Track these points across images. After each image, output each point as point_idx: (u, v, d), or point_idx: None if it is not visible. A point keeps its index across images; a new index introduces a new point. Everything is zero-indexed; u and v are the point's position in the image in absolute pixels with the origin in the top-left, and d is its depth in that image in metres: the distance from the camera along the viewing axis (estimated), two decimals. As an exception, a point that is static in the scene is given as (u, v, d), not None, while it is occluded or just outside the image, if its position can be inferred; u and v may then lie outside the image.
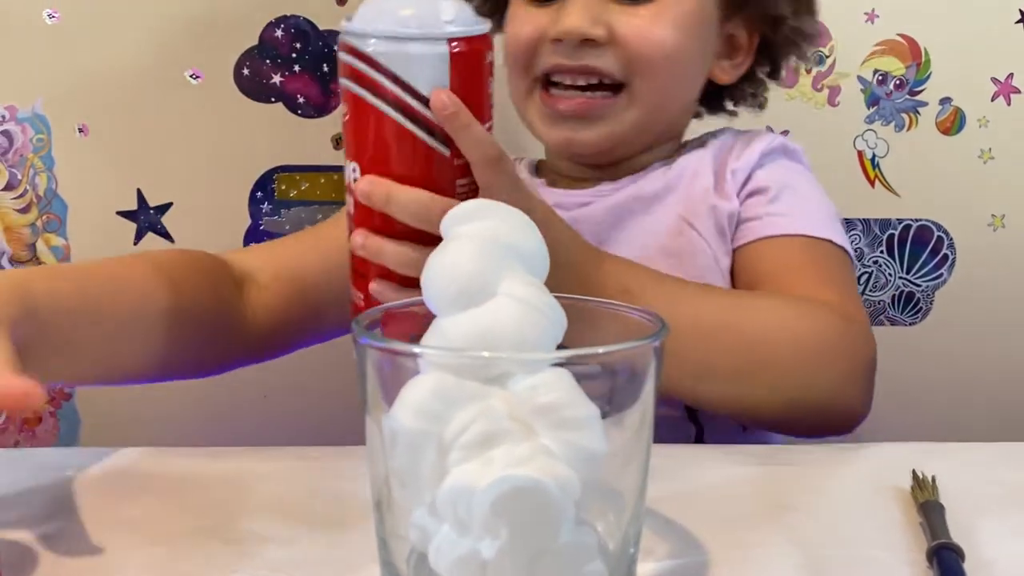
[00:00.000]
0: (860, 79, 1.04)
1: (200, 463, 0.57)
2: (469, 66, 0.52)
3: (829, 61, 1.04)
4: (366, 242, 0.55)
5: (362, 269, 0.56)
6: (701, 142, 0.81)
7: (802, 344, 0.62)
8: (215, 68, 0.99)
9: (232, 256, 0.73)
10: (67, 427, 1.03)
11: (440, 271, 0.38)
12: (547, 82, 0.74)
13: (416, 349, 0.36)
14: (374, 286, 0.55)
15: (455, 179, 0.53)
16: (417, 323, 0.39)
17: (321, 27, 0.99)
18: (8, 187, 0.99)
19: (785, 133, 1.04)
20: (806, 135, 1.04)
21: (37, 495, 0.52)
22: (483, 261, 0.38)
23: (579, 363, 0.36)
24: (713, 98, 0.84)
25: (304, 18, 0.99)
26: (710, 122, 0.86)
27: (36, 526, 0.48)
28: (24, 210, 1.00)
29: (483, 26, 0.54)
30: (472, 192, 0.54)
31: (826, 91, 1.04)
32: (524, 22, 0.74)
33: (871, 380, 0.65)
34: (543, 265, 0.40)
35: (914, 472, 0.51)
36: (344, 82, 0.53)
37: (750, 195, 0.75)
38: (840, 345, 0.64)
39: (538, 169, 0.84)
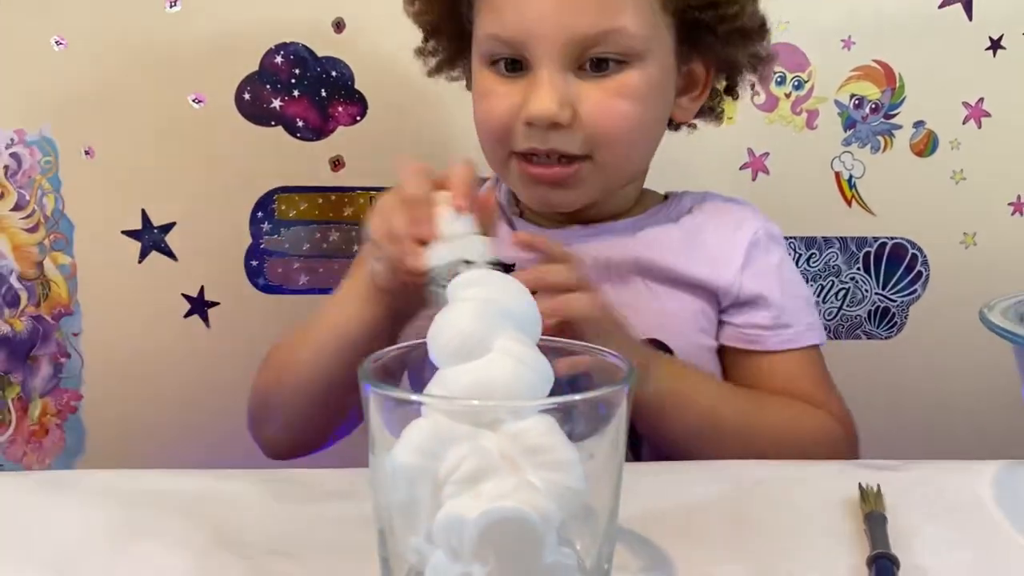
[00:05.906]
0: (837, 103, 1.07)
1: (210, 484, 0.59)
2: None
3: (807, 86, 1.07)
4: None
5: None
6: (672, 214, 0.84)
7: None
8: (217, 93, 1.02)
9: None
10: (73, 439, 1.06)
11: (443, 328, 0.43)
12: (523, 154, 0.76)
13: (415, 397, 0.40)
14: None
15: None
16: None
17: (320, 53, 1.02)
18: (17, 207, 1.03)
19: (765, 155, 1.08)
20: (785, 157, 1.08)
21: (50, 517, 0.56)
22: (481, 321, 0.42)
23: (561, 407, 0.40)
24: None
25: (303, 44, 1.02)
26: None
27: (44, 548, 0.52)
28: (32, 229, 1.03)
29: None
30: None
31: (804, 115, 1.07)
32: (496, 99, 0.75)
33: None
34: (534, 326, 0.44)
35: (860, 485, 0.56)
36: None
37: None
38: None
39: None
